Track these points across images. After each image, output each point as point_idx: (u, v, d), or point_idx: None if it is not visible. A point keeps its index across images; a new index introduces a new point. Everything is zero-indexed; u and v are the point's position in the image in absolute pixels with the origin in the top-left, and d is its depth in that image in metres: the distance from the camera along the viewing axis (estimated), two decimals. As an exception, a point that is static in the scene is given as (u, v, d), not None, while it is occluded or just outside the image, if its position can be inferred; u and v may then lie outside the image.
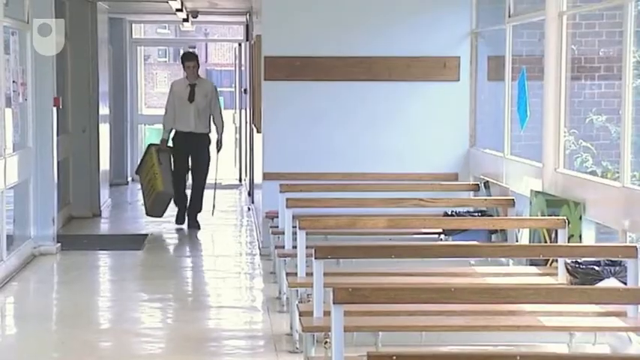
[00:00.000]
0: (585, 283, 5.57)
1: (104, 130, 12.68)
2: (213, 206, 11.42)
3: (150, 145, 10.90)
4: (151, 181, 10.55)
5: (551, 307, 5.08)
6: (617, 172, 6.26)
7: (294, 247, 6.44)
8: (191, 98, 10.61)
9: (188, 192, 10.87)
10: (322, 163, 8.91)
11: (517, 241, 7.28)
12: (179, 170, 10.75)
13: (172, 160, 10.64)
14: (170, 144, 10.79)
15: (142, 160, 10.93)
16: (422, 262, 6.39)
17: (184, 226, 10.80)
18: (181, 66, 11.07)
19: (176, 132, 10.74)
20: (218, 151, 10.98)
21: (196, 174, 10.81)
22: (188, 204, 10.85)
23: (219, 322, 7.30)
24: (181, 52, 18.76)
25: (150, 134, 17.73)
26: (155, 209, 10.68)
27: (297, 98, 9.01)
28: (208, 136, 10.79)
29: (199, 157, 10.73)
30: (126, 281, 8.57)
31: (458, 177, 9.00)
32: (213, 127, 10.79)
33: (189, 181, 10.95)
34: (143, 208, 10.96)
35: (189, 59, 10.86)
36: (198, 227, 10.75)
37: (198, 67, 10.86)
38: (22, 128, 9.08)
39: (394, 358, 3.39)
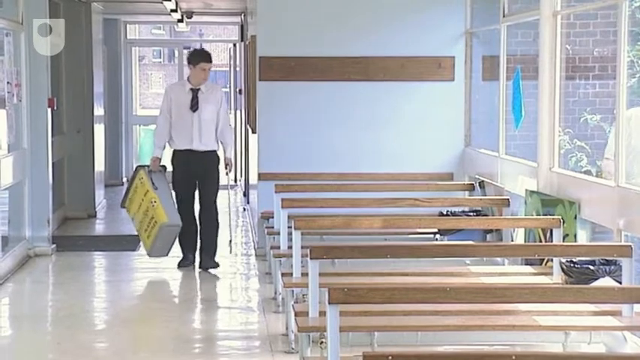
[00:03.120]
0: (580, 282, 5.58)
1: (99, 130, 12.67)
2: (230, 241, 9.43)
3: (138, 168, 8.78)
4: (149, 211, 8.46)
5: (547, 306, 5.09)
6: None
7: (290, 247, 6.44)
8: (194, 107, 8.53)
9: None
10: (317, 164, 8.91)
11: (512, 240, 7.29)
12: (183, 202, 8.63)
13: (173, 186, 8.69)
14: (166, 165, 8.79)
15: (128, 188, 8.79)
16: (417, 262, 6.39)
17: (185, 265, 8.77)
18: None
19: (174, 152, 8.68)
20: (228, 172, 8.88)
21: (205, 204, 8.67)
22: (199, 244, 8.78)
23: (215, 322, 7.30)
24: (176, 52, 18.69)
25: (145, 135, 17.74)
26: (159, 247, 8.58)
27: (292, 99, 9.01)
28: (216, 155, 8.68)
29: (206, 181, 8.62)
30: (121, 282, 8.57)
31: (453, 177, 9.00)
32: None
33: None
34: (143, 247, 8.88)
35: (207, 59, 8.64)
36: (217, 265, 8.72)
37: None
38: (16, 129, 9.07)
39: (390, 358, 3.39)
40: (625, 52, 5.89)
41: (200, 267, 8.72)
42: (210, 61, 8.66)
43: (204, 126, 8.54)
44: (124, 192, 8.98)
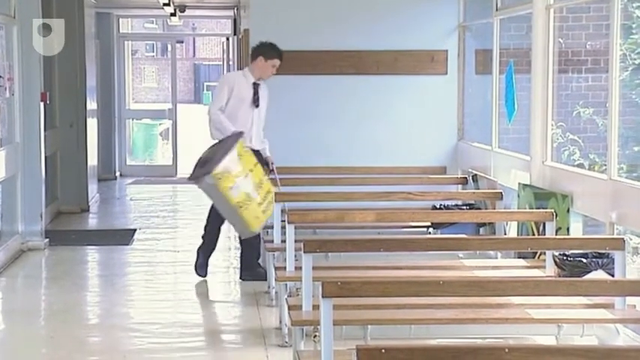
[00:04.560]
0: (573, 275, 5.59)
1: (92, 124, 12.66)
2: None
3: (239, 134, 7.35)
4: (264, 185, 7.06)
5: (539, 299, 5.09)
6: (604, 165, 6.28)
7: (283, 241, 6.44)
8: (256, 102, 7.85)
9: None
10: (310, 157, 8.91)
11: (505, 234, 7.30)
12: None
13: None
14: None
15: (221, 153, 6.95)
16: (410, 256, 6.40)
17: (204, 275, 8.22)
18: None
19: None
20: (271, 171, 7.89)
21: None
22: (245, 248, 8.01)
23: (208, 316, 7.30)
24: (169, 46, 18.66)
25: (138, 129, 17.72)
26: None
27: (285, 92, 9.00)
28: (261, 155, 7.89)
29: None
30: (114, 276, 8.56)
31: (446, 170, 9.01)
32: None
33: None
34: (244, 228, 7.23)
35: (281, 57, 7.93)
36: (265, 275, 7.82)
37: None
38: (9, 123, 9.05)
39: (383, 351, 3.38)
40: (617, 45, 5.89)
41: (250, 276, 8.02)
42: (282, 60, 7.98)
43: (260, 123, 7.92)
44: (205, 158, 7.06)
